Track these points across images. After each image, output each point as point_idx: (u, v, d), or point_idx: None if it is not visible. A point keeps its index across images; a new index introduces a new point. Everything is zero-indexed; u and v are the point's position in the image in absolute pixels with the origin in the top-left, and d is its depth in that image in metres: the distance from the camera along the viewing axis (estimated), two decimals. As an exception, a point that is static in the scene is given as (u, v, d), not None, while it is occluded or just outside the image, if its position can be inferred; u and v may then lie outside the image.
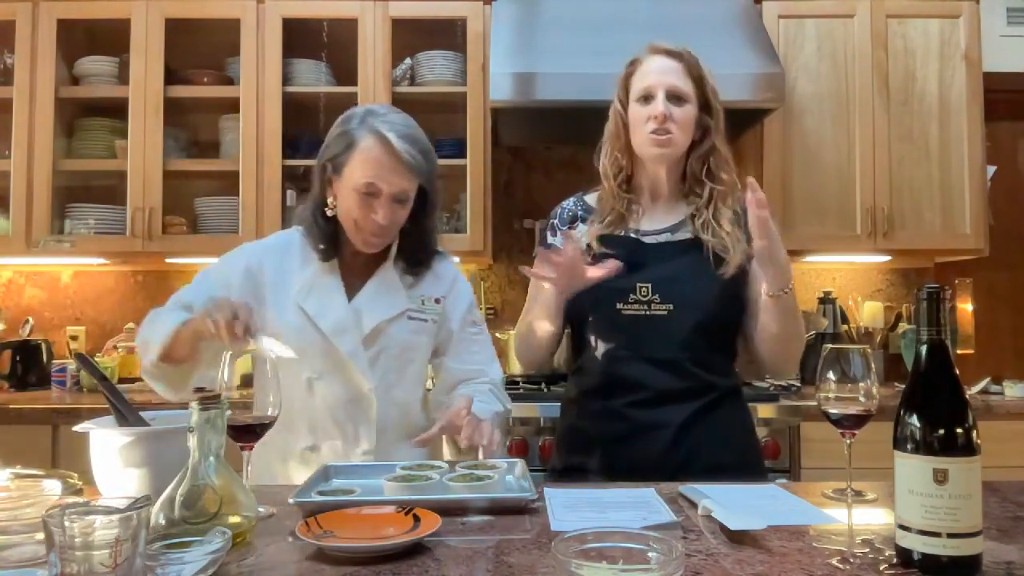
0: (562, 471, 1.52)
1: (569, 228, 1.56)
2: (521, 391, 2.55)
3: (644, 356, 1.44)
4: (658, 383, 1.43)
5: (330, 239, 1.48)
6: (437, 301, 1.57)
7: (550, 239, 1.60)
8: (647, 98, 1.47)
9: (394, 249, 1.54)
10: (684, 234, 1.51)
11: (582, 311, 1.50)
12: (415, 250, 1.55)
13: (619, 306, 1.46)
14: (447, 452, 1.51)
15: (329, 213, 1.47)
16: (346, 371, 1.47)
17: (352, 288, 1.51)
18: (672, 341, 1.43)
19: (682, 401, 1.43)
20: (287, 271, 1.50)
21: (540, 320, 1.50)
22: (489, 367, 1.61)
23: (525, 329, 1.57)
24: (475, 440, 1.31)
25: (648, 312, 1.45)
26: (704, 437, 1.43)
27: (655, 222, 1.53)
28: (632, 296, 1.45)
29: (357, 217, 1.43)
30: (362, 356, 1.47)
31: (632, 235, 1.52)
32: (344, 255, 1.52)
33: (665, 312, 1.44)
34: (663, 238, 1.51)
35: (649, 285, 1.45)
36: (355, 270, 1.52)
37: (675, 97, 1.45)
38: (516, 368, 2.80)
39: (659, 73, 1.47)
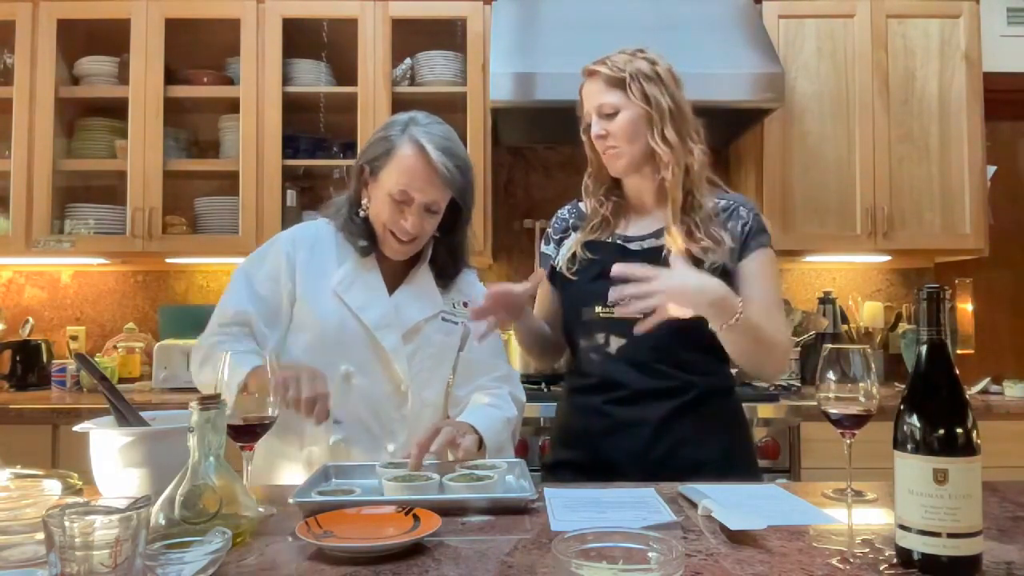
0: (552, 466, 1.55)
1: (562, 238, 1.60)
2: (521, 391, 2.55)
3: (620, 357, 1.45)
4: (635, 383, 1.44)
5: (368, 236, 1.51)
6: (465, 305, 1.61)
7: (544, 248, 1.65)
8: (591, 123, 1.49)
9: (428, 251, 1.57)
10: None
11: (567, 314, 1.55)
12: (445, 262, 1.58)
13: (597, 309, 1.47)
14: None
15: (362, 213, 1.51)
16: (385, 366, 1.49)
17: (390, 285, 1.53)
18: (645, 344, 1.41)
19: (660, 399, 1.44)
20: (321, 262, 1.51)
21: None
22: (503, 361, 1.64)
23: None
24: (458, 453, 1.31)
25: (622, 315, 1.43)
26: (684, 434, 1.43)
27: (642, 228, 1.53)
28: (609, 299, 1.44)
29: (387, 222, 1.46)
30: (402, 352, 1.50)
31: (618, 241, 1.52)
32: (381, 253, 1.54)
33: (641, 316, 1.38)
34: (648, 244, 1.51)
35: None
36: (391, 268, 1.55)
37: (606, 114, 1.46)
38: (516, 367, 2.80)
39: (589, 97, 1.49)
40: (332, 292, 1.48)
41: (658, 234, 1.50)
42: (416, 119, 1.48)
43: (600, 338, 1.48)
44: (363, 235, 1.51)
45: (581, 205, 1.62)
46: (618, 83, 1.46)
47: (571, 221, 1.61)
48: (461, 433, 1.33)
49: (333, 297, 1.48)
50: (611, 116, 1.46)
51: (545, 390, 2.56)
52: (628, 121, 1.45)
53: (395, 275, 1.55)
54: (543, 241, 1.66)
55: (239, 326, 1.46)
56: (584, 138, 1.54)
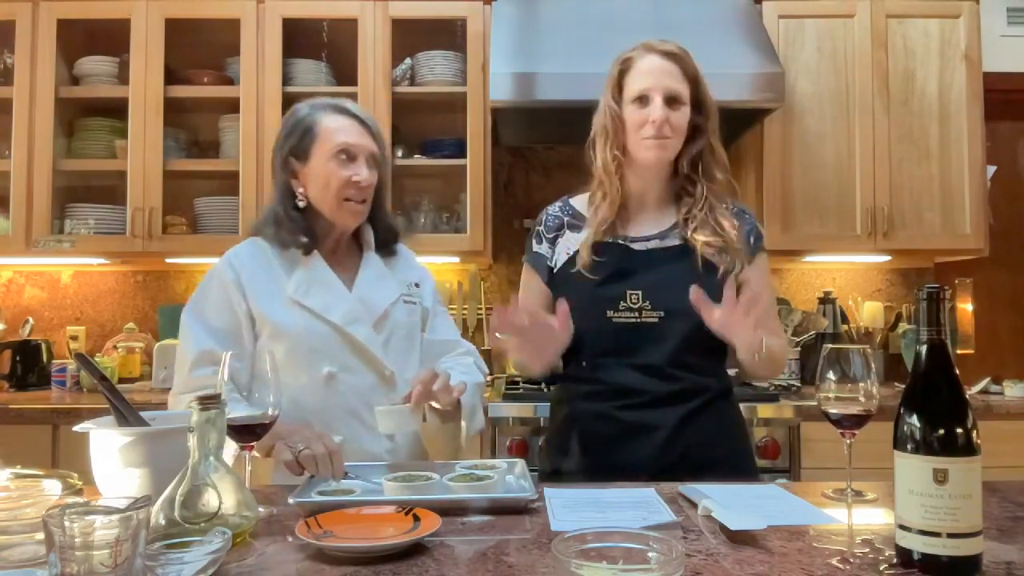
0: (551, 474, 1.51)
1: (555, 236, 1.56)
2: (521, 391, 2.55)
3: (635, 363, 1.43)
4: (649, 388, 1.43)
5: (307, 231, 1.51)
6: (417, 285, 1.64)
7: (535, 247, 1.59)
8: (643, 100, 1.44)
9: (371, 238, 1.60)
10: (674, 239, 1.49)
11: (572, 319, 1.49)
12: (383, 232, 1.62)
13: (609, 314, 1.44)
14: (431, 420, 1.48)
15: (300, 204, 1.51)
16: (365, 358, 1.49)
17: (344, 281, 1.54)
18: (663, 348, 1.42)
19: (674, 404, 1.43)
20: (268, 275, 1.50)
21: (532, 366, 1.47)
22: (462, 339, 1.70)
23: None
24: (450, 397, 1.37)
25: (639, 319, 1.44)
26: (696, 437, 1.43)
27: (644, 228, 1.51)
28: (623, 304, 1.44)
29: (338, 187, 1.48)
30: (377, 341, 1.51)
31: (621, 242, 1.50)
32: (324, 251, 1.54)
33: (656, 319, 1.43)
34: (652, 244, 1.49)
35: (640, 292, 1.44)
36: (339, 265, 1.55)
37: (672, 100, 1.43)
38: (514, 370, 2.80)
39: (656, 75, 1.44)
40: (291, 301, 1.47)
41: (662, 236, 1.50)
42: (314, 101, 1.56)
43: (611, 343, 1.45)
44: (303, 230, 1.51)
45: (573, 202, 1.59)
46: (691, 77, 1.46)
47: (565, 219, 1.57)
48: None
49: (293, 305, 1.47)
50: (676, 105, 1.44)
51: (545, 390, 2.56)
52: (686, 118, 1.46)
53: (346, 271, 1.55)
54: (534, 240, 1.60)
55: (209, 366, 1.42)
56: (613, 107, 1.48)
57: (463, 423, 1.46)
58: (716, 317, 1.32)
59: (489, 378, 2.92)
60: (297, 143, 1.51)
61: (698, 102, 1.48)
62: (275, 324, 1.46)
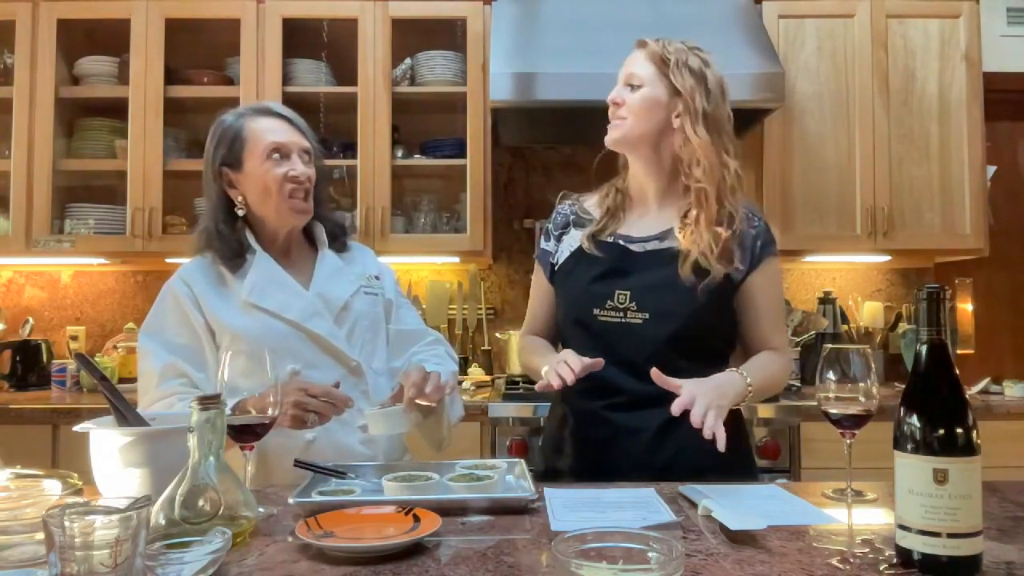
0: (544, 474, 1.52)
1: (561, 233, 1.57)
2: (521, 391, 2.55)
3: (617, 362, 1.41)
4: (633, 388, 1.41)
5: (238, 248, 1.50)
6: (377, 278, 1.65)
7: (543, 243, 1.60)
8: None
9: (324, 236, 1.61)
10: (672, 242, 1.47)
11: (565, 314, 1.52)
12: (331, 228, 1.63)
13: (595, 312, 1.44)
14: (414, 415, 1.46)
15: (240, 212, 1.51)
16: (330, 352, 1.50)
17: (301, 280, 1.54)
18: (643, 350, 1.40)
19: (660, 405, 1.37)
20: (221, 286, 1.50)
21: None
22: (427, 327, 1.72)
23: (528, 363, 1.59)
24: (440, 394, 1.39)
25: (623, 319, 1.43)
26: (687, 440, 1.36)
27: (645, 228, 1.50)
28: (609, 303, 1.44)
29: (278, 186, 1.47)
30: (339, 333, 1.51)
31: (621, 242, 1.49)
32: (276, 253, 1.54)
33: (640, 321, 1.42)
34: (651, 246, 1.48)
35: (628, 293, 1.43)
36: (294, 265, 1.55)
37: (630, 84, 1.45)
38: (516, 368, 2.81)
39: (626, 66, 1.48)
40: (246, 305, 1.46)
41: (662, 236, 1.48)
42: (238, 108, 1.57)
43: (597, 341, 1.44)
44: (232, 249, 1.49)
45: (583, 200, 1.60)
46: (658, 60, 1.45)
47: (572, 217, 1.57)
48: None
49: (249, 309, 1.46)
50: (634, 88, 1.45)
51: (545, 390, 2.56)
52: (645, 98, 1.44)
53: (302, 271, 1.55)
54: (542, 237, 1.62)
55: (175, 379, 1.42)
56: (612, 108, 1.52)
57: (446, 414, 1.49)
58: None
59: (489, 378, 2.94)
60: (228, 151, 1.50)
61: (671, 88, 1.44)
62: (233, 330, 1.44)
